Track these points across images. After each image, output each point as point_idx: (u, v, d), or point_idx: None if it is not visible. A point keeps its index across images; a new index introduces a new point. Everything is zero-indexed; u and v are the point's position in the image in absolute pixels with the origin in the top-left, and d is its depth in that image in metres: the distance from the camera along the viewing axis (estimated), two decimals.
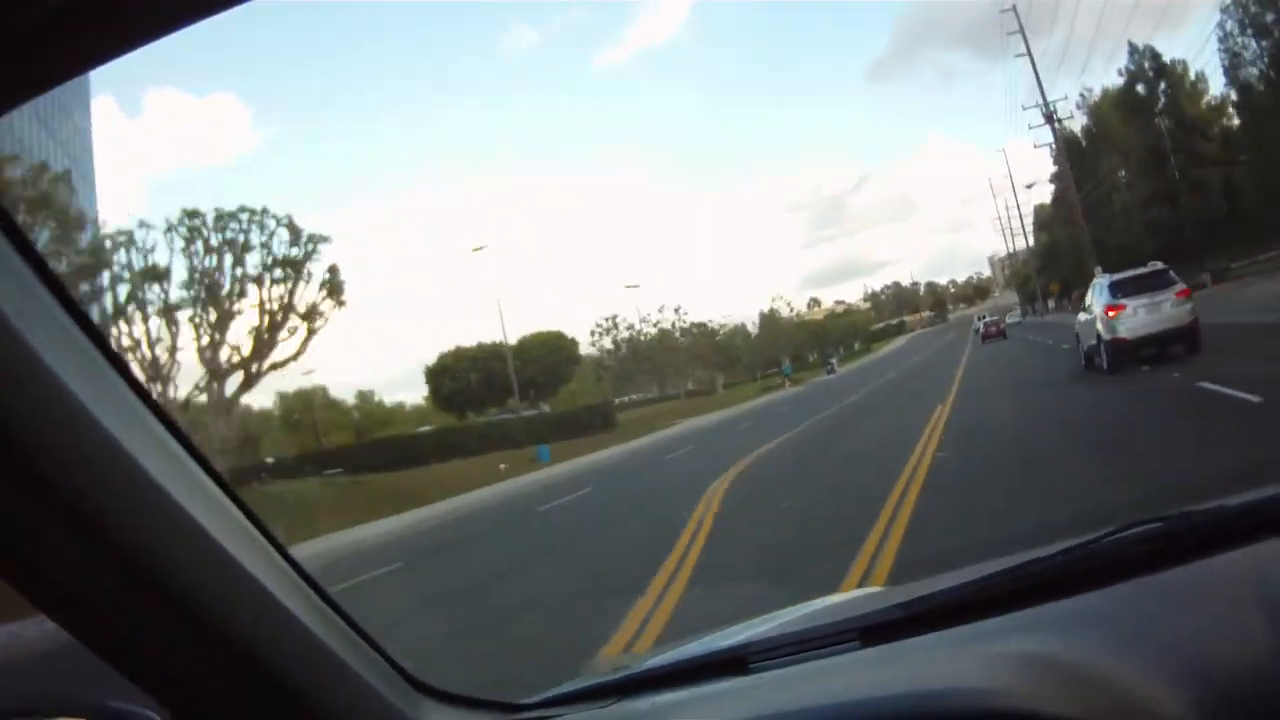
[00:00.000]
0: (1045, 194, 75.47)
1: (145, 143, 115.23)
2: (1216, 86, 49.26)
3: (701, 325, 76.70)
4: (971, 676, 1.17)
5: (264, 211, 32.13)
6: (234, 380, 31.83)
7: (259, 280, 31.63)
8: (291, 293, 32.28)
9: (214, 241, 31.76)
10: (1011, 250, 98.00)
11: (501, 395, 54.02)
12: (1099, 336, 17.08)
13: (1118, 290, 16.81)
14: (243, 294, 31.44)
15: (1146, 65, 48.80)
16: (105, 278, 30.05)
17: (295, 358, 32.88)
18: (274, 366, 31.90)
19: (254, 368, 31.09)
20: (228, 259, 31.20)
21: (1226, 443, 8.12)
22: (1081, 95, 57.97)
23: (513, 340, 59.06)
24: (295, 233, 32.54)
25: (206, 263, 30.95)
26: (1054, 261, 65.63)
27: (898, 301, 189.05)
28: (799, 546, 9.05)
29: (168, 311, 31.06)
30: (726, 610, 5.02)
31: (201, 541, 0.91)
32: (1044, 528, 5.51)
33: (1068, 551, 1.37)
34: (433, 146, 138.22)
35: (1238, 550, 1.24)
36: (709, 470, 17.29)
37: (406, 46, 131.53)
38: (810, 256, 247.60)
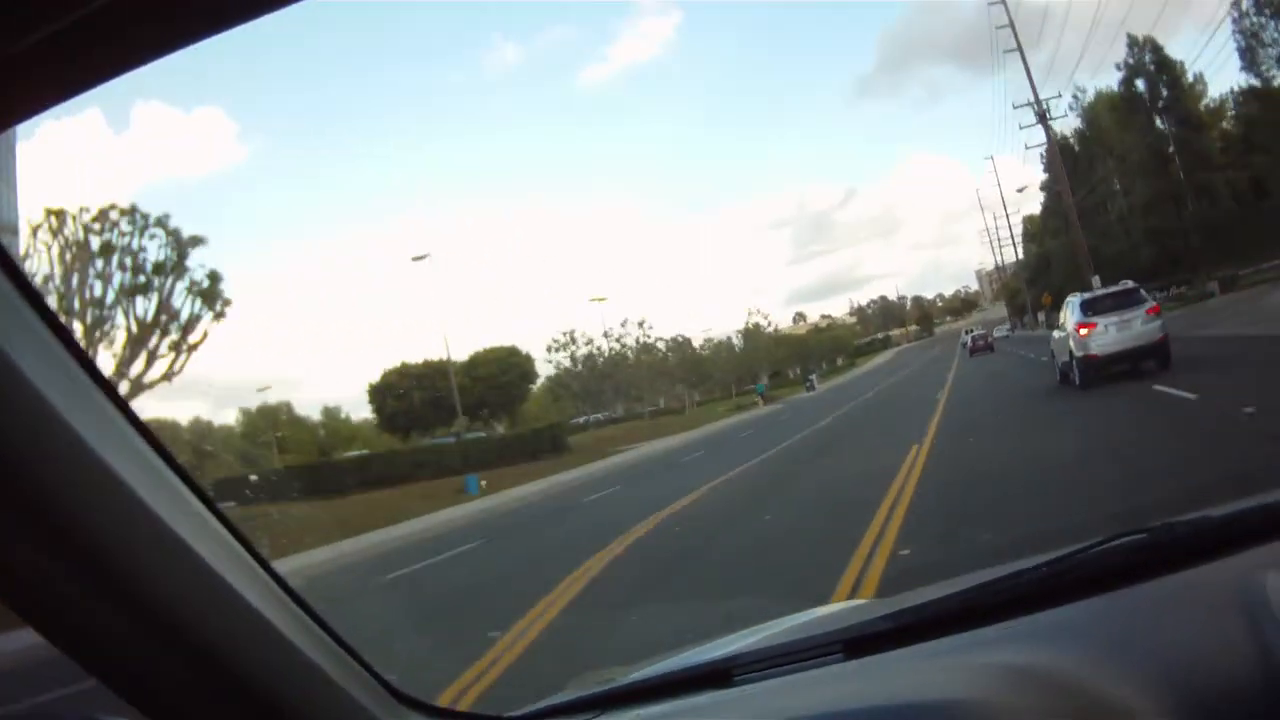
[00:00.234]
0: (1036, 204, 72.88)
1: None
2: (1215, 89, 45.64)
3: (674, 340, 72.42)
4: (956, 688, 1.17)
5: (134, 209, 27.84)
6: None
7: (132, 288, 27.26)
8: (162, 302, 27.92)
9: (91, 243, 27.52)
10: (1000, 263, 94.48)
11: (449, 415, 49.46)
12: (1071, 353, 17.41)
13: (1088, 309, 17.17)
14: (111, 303, 27.12)
15: (1147, 58, 44.74)
16: None
17: (168, 376, 28.43)
18: (139, 386, 27.35)
19: (119, 386, 26.65)
20: (98, 264, 26.90)
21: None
22: (1075, 96, 54.24)
23: (464, 356, 54.80)
24: (171, 235, 28.19)
25: (73, 267, 26.64)
26: (1046, 272, 62.00)
27: (884, 316, 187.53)
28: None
29: None
30: None
31: (186, 555, 0.92)
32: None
33: (1053, 563, 1.38)
34: (408, 160, 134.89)
35: (1221, 561, 1.25)
36: (614, 523, 14.35)
37: (389, 63, 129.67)
38: (797, 272, 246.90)
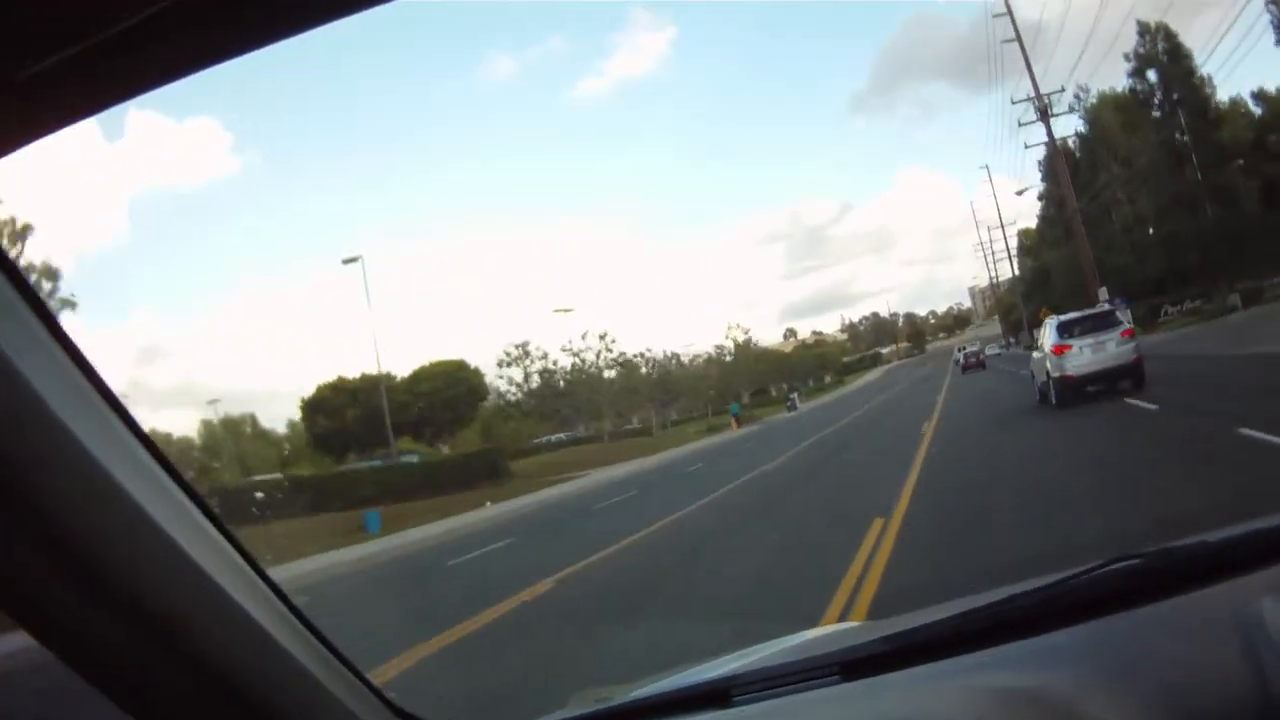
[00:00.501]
0: (1032, 218, 69.21)
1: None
2: (1223, 94, 41.14)
3: (643, 355, 67.28)
4: (951, 711, 1.18)
5: None
6: None
7: None
8: None
9: None
10: (995, 278, 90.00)
11: (388, 435, 44.41)
12: (1048, 373, 17.53)
13: (1064, 331, 17.38)
14: None
15: (1160, 47, 40.17)
16: None
17: None
18: None
19: None
20: None
21: None
22: (1077, 96, 49.82)
23: (407, 371, 49.79)
24: None
25: None
26: (1043, 287, 57.56)
27: (876, 332, 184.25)
28: None
29: None
30: None
31: (184, 563, 0.92)
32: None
33: (1049, 587, 1.37)
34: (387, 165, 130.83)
35: (1217, 586, 1.24)
36: (475, 594, 11.04)
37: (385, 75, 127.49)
38: (790, 288, 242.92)
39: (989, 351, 64.42)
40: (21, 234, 24.66)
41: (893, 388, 60.91)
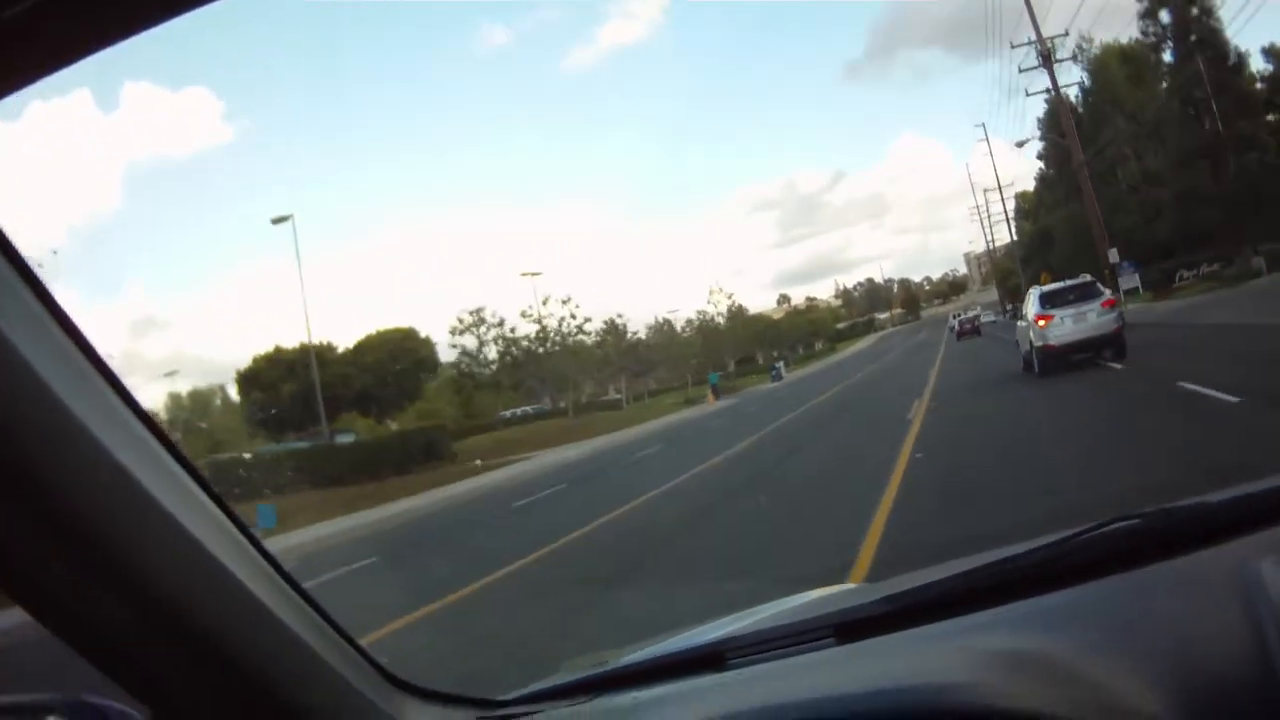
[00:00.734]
0: (1030, 182, 65.35)
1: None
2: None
3: (612, 321, 63.26)
4: (948, 672, 1.16)
5: None
6: None
7: None
8: None
9: None
10: (991, 243, 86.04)
11: (331, 410, 40.61)
12: (1031, 343, 17.90)
13: (1047, 301, 17.62)
14: None
15: None
16: None
17: None
18: None
19: None
20: None
21: None
22: (1080, 46, 45.73)
23: (354, 341, 45.89)
24: None
25: None
26: (1044, 250, 53.64)
27: (870, 299, 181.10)
28: None
29: None
30: None
31: (184, 540, 0.91)
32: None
33: (1047, 548, 1.36)
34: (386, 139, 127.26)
35: (1217, 547, 1.24)
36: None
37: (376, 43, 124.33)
38: (783, 255, 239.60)
39: (985, 319, 62.23)
40: None
41: (885, 355, 58.27)
